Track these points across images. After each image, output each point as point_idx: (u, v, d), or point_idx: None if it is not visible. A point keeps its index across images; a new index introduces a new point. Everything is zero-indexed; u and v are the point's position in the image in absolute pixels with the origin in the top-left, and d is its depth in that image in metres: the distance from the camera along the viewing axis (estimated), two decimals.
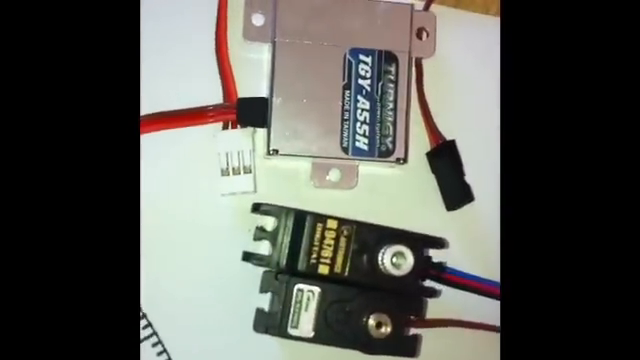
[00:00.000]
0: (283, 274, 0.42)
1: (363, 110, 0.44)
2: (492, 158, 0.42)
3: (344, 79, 0.43)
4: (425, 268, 0.43)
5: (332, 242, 0.42)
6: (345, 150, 0.43)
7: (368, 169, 0.45)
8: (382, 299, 0.42)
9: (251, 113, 0.43)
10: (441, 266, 0.44)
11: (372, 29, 0.44)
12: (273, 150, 0.43)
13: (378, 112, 0.44)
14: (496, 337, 0.37)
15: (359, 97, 0.44)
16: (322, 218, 0.42)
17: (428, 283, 0.44)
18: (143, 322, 0.43)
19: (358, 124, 0.43)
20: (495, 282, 0.43)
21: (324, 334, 0.42)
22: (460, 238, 0.46)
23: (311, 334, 0.42)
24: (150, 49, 0.42)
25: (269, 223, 0.43)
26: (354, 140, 0.43)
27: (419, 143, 0.45)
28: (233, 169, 0.43)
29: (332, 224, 0.42)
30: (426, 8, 0.46)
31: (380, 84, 0.44)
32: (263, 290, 0.42)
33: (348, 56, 0.44)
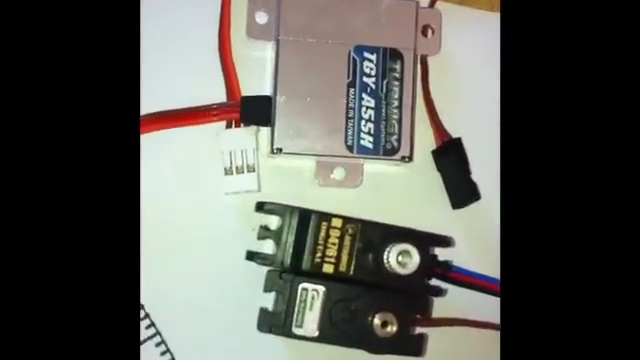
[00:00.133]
0: (287, 273, 0.41)
1: (368, 108, 0.43)
2: (499, 156, 0.42)
3: (348, 77, 0.43)
4: (431, 267, 0.43)
5: (337, 241, 0.42)
6: (350, 148, 0.43)
7: (373, 167, 0.45)
8: (387, 298, 0.42)
9: (255, 111, 0.43)
10: (447, 265, 0.44)
11: (377, 26, 0.44)
12: (277, 149, 0.43)
13: (383, 110, 0.43)
14: None
15: (364, 95, 0.43)
16: (327, 217, 0.42)
17: (434, 282, 0.44)
18: (146, 322, 0.43)
19: (363, 122, 0.43)
20: None
21: (329, 333, 0.41)
22: (466, 237, 0.45)
23: (316, 333, 0.41)
24: (151, 47, 0.42)
25: (273, 222, 0.42)
26: (359, 138, 0.43)
27: (425, 141, 0.45)
28: (237, 168, 0.43)
29: (337, 223, 0.42)
30: (431, 5, 0.46)
31: (385, 82, 0.44)
32: (267, 289, 0.41)
33: (352, 54, 0.43)
